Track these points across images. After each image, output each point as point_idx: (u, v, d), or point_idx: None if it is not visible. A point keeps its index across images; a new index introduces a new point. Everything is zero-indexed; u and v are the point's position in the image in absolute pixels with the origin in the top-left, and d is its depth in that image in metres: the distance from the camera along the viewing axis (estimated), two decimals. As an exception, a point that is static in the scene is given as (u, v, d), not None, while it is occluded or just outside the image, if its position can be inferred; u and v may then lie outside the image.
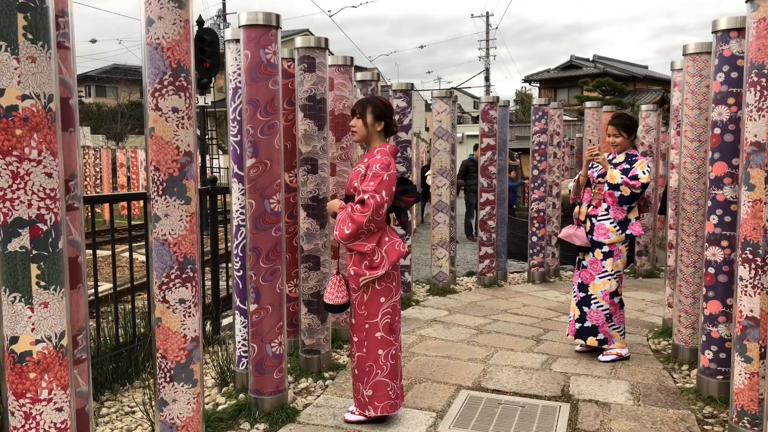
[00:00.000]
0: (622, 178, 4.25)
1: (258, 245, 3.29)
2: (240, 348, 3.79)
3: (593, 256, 4.39)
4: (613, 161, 4.42)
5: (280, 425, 3.27)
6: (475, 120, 29.54)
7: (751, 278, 2.94)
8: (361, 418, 3.28)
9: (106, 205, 16.19)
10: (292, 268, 4.24)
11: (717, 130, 3.50)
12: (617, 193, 4.27)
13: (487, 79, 39.52)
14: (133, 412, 3.50)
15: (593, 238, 4.38)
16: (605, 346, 4.40)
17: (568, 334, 4.59)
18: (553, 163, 7.55)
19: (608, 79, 31.55)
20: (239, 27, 3.28)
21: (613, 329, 4.40)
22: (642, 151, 7.87)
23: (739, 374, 3.01)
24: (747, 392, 2.99)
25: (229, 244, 5.40)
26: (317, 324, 4.07)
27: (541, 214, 7.42)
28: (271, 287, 3.32)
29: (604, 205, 4.35)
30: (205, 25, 13.95)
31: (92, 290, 4.13)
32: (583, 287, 4.44)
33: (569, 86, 35.85)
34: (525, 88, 42.55)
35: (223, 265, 5.63)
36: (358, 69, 5.58)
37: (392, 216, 3.33)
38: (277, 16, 3.25)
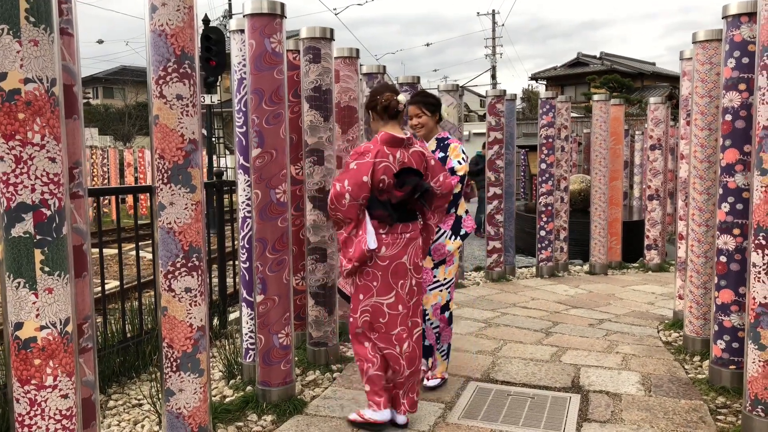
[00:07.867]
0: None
1: (264, 236, 3.27)
2: (247, 340, 3.77)
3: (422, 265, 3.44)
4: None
5: (288, 417, 3.24)
6: (482, 118, 29.46)
7: (764, 264, 2.89)
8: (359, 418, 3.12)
9: (113, 204, 16.26)
10: (298, 261, 4.22)
11: (728, 117, 3.46)
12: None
13: (493, 77, 39.40)
14: (141, 405, 3.48)
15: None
16: (430, 370, 3.73)
17: None
18: (560, 157, 7.50)
19: (615, 75, 31.43)
20: (243, 16, 3.26)
21: (438, 351, 3.72)
22: (651, 144, 7.81)
23: (753, 362, 2.96)
24: (761, 380, 2.94)
25: (235, 243, 5.40)
26: (324, 316, 4.05)
27: (550, 208, 7.37)
28: (278, 278, 3.30)
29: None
30: (211, 25, 13.97)
31: (99, 288, 4.12)
32: None
33: (576, 83, 35.72)
34: (531, 85, 42.39)
35: (230, 262, 5.62)
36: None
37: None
38: (282, 5, 3.23)
